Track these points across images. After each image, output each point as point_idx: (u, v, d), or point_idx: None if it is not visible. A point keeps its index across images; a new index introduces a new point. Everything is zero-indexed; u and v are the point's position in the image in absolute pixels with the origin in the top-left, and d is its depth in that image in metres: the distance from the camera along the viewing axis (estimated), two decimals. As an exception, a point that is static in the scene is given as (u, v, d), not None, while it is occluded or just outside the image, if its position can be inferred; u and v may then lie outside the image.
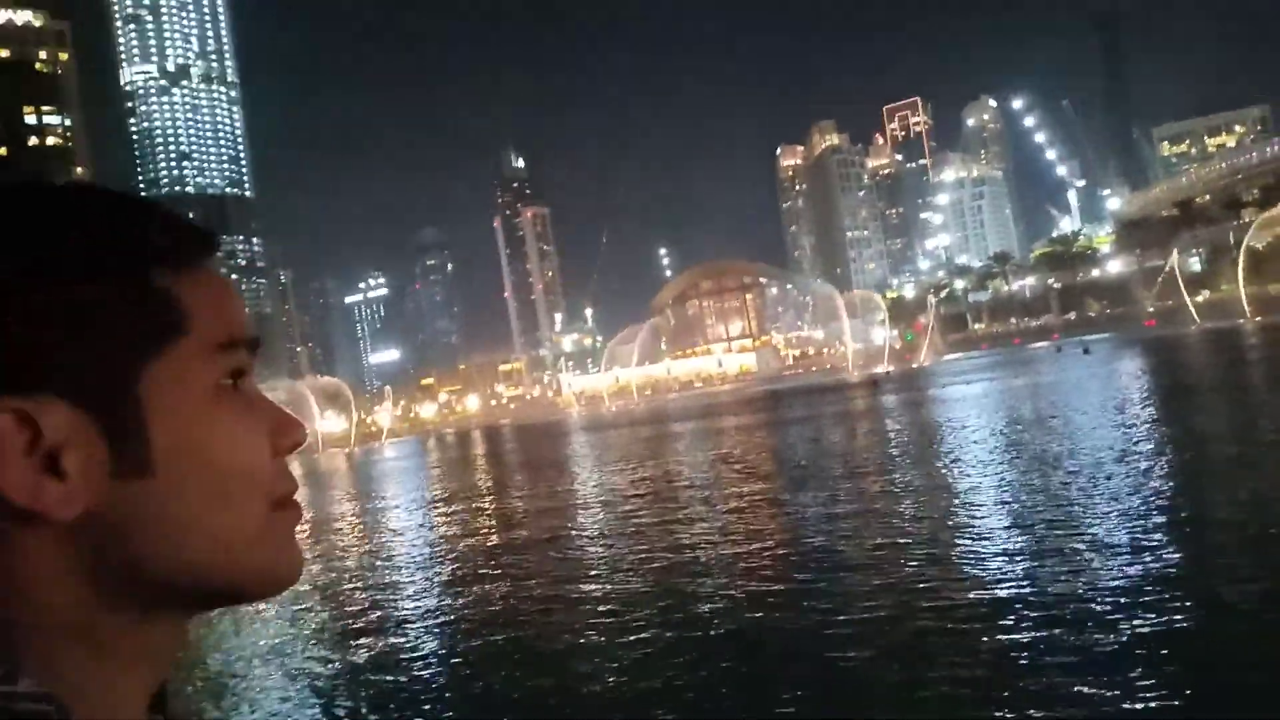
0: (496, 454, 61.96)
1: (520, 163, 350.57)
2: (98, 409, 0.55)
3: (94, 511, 0.54)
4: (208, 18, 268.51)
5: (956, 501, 17.59)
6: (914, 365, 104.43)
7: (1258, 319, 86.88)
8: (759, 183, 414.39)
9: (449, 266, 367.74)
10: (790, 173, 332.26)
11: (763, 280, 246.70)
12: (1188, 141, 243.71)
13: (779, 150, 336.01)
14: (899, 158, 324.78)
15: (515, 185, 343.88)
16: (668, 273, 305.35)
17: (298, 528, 0.66)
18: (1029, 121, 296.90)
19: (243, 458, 0.59)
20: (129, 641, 0.57)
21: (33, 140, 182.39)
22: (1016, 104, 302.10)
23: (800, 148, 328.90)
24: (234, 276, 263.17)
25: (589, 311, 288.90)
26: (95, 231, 0.57)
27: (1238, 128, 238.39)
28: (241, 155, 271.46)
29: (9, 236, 0.55)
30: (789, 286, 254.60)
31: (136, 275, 0.57)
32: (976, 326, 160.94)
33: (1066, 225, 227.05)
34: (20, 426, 0.53)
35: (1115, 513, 14.16)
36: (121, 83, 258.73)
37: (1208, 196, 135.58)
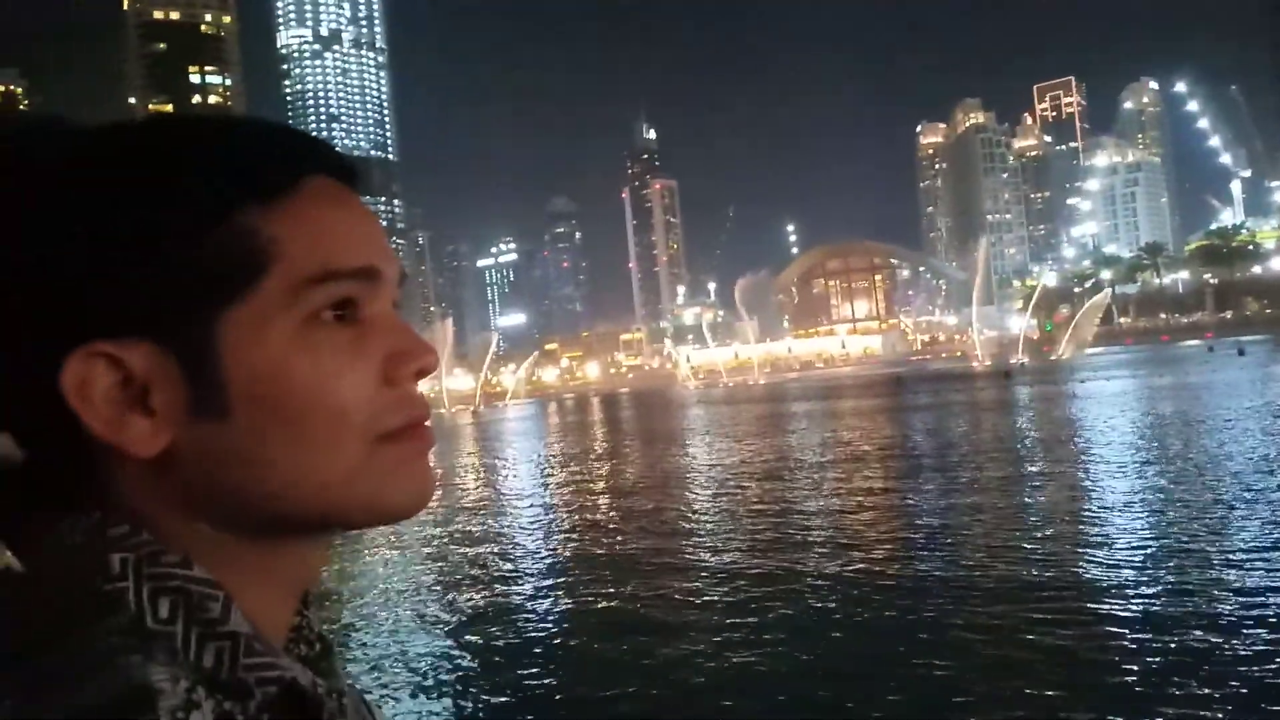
0: (612, 421, 62.87)
1: (651, 134, 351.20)
2: (178, 350, 0.55)
3: (177, 449, 0.55)
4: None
5: (1074, 507, 16.85)
6: (1052, 357, 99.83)
7: None
8: (897, 161, 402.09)
9: (577, 235, 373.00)
10: (930, 151, 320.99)
11: (893, 262, 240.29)
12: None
13: (920, 127, 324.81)
14: (1048, 139, 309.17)
15: (645, 157, 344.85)
16: (794, 250, 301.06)
17: (419, 459, 0.63)
18: (1191, 106, 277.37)
19: (331, 395, 0.58)
20: (257, 559, 0.59)
21: (195, 99, 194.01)
22: (1179, 87, 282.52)
23: (943, 125, 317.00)
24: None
25: (712, 286, 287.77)
26: (181, 168, 0.56)
27: None
28: (386, 119, 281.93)
29: (92, 178, 0.55)
30: (921, 269, 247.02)
31: (218, 213, 0.56)
32: (1122, 320, 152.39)
33: (1227, 218, 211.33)
34: (105, 369, 0.54)
35: (1251, 526, 13.27)
36: (278, 46, 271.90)
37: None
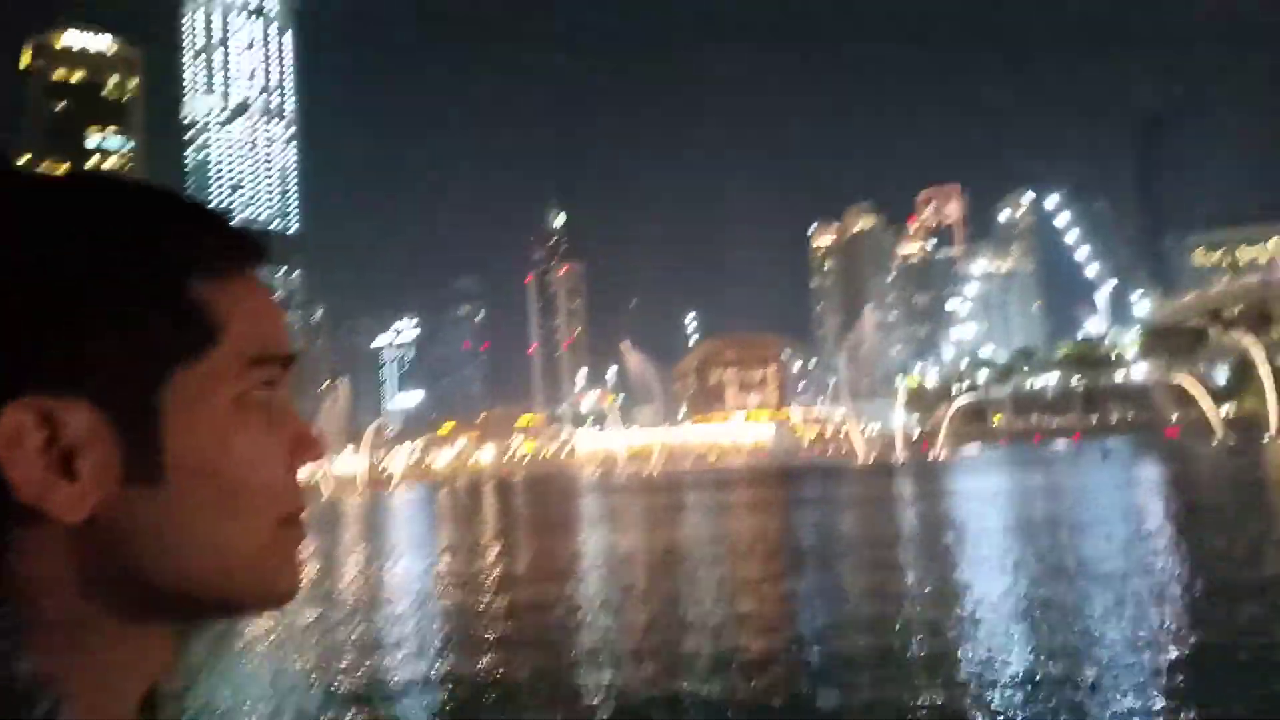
0: (504, 509, 62.13)
1: (561, 219, 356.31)
2: (118, 413, 0.54)
3: (102, 515, 0.54)
4: (273, 55, 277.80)
5: (946, 614, 17.70)
6: (929, 456, 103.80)
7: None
8: (791, 257, 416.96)
9: (480, 315, 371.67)
10: (822, 251, 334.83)
11: (786, 355, 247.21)
12: (1221, 251, 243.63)
13: (813, 227, 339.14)
14: (931, 244, 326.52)
15: (553, 241, 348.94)
16: (694, 338, 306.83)
17: (300, 547, 0.64)
18: (1063, 219, 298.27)
19: (258, 472, 0.59)
20: (122, 645, 0.57)
21: (94, 161, 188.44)
22: (1051, 201, 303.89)
23: (835, 225, 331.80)
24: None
25: (613, 371, 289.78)
26: (138, 233, 0.57)
27: (1272, 241, 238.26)
28: (291, 190, 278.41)
29: (50, 230, 0.54)
30: (812, 363, 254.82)
31: (174, 281, 0.57)
32: (997, 420, 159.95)
33: (1094, 326, 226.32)
34: (40, 424, 0.53)
35: (1112, 631, 14.29)
36: (183, 113, 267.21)
37: (1238, 309, 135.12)
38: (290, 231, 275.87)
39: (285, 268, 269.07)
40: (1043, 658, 13.06)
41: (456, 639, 17.32)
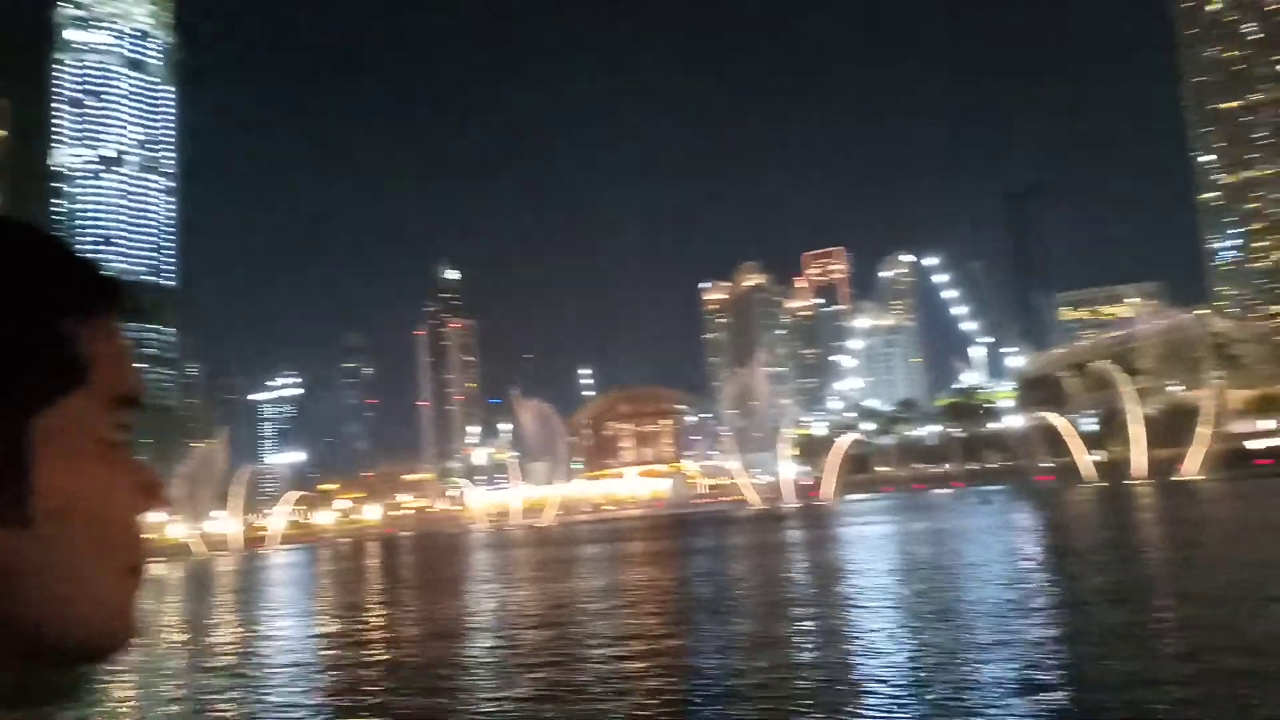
0: (389, 568, 59.81)
1: (453, 275, 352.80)
2: None
3: None
4: (152, 107, 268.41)
5: (837, 647, 17.61)
6: (819, 503, 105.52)
7: (1143, 479, 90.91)
8: (684, 314, 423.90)
9: (367, 370, 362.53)
10: (715, 306, 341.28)
11: (681, 408, 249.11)
12: (1086, 308, 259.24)
13: (705, 285, 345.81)
14: (818, 301, 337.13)
15: (445, 296, 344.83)
16: (589, 393, 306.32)
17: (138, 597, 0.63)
18: (941, 278, 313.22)
19: (117, 516, 0.59)
20: None
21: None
22: (930, 261, 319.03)
23: (726, 283, 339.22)
24: (142, 365, 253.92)
25: (506, 427, 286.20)
26: (5, 270, 0.56)
27: (1132, 299, 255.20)
28: (167, 243, 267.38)
29: None
30: (706, 416, 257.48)
31: (43, 320, 0.56)
32: (882, 469, 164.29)
33: (970, 378, 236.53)
34: None
35: (991, 663, 14.37)
36: (52, 163, 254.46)
37: (1103, 362, 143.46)
38: (167, 286, 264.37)
39: (158, 324, 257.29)
40: (915, 694, 13.00)
41: (332, 706, 16.20)
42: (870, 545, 42.02)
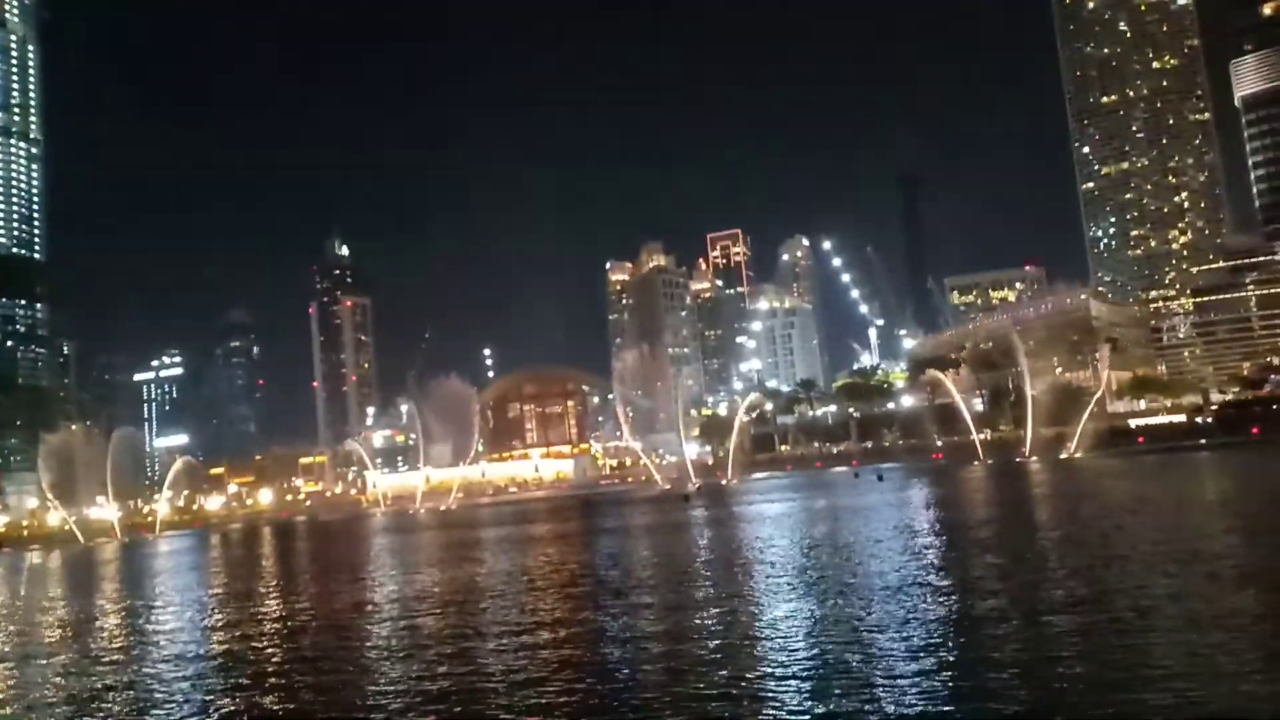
0: (284, 553, 57.83)
1: (344, 250, 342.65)
2: None
3: None
4: (15, 69, 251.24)
5: (737, 627, 17.63)
6: (723, 482, 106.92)
7: (1032, 458, 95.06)
8: (587, 294, 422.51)
9: (255, 350, 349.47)
10: (619, 287, 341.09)
11: (585, 389, 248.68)
12: (975, 292, 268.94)
13: (609, 265, 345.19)
14: (720, 283, 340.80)
15: (337, 272, 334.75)
16: (491, 374, 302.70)
17: None
18: (837, 262, 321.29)
19: None
20: None
21: None
22: (826, 245, 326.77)
23: (629, 264, 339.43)
24: (9, 343, 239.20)
25: (405, 408, 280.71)
26: None
27: (1018, 284, 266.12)
28: (35, 215, 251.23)
29: None
30: (610, 397, 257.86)
31: None
32: (783, 448, 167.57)
33: (866, 360, 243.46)
34: None
35: (889, 638, 14.57)
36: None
37: (990, 344, 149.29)
38: (34, 259, 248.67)
39: (25, 300, 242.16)
40: (819, 666, 13.06)
41: (223, 696, 15.36)
42: (771, 522, 42.59)
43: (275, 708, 13.76)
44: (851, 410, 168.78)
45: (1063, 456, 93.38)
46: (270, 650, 19.23)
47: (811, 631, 15.93)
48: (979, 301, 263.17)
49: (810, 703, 11.42)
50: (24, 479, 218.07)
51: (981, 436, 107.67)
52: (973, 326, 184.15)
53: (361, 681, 15.13)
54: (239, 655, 19.02)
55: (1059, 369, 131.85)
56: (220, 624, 24.73)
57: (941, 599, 17.99)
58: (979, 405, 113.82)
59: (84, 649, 21.70)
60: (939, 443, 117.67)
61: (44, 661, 20.38)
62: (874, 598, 18.51)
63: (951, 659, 12.97)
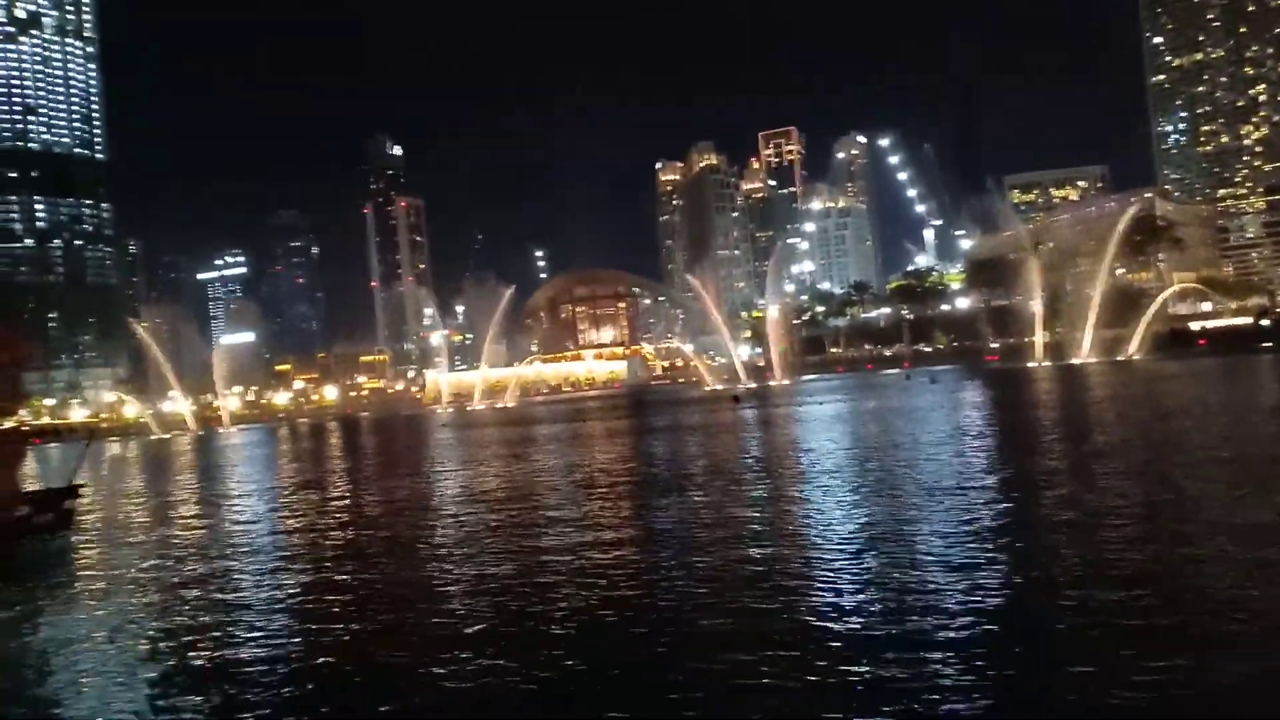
0: (349, 447, 60.09)
1: (397, 150, 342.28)
2: None
3: None
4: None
5: (792, 519, 18.21)
6: (771, 383, 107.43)
7: (1090, 359, 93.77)
8: (638, 195, 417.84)
9: (313, 251, 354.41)
10: (669, 188, 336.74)
11: (636, 290, 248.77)
12: (1035, 191, 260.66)
13: (659, 165, 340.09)
14: (772, 183, 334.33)
15: (390, 173, 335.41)
16: (543, 276, 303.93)
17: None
18: (894, 160, 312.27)
19: None
20: None
21: None
22: (883, 142, 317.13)
23: (680, 164, 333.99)
24: (77, 243, 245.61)
25: (460, 308, 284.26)
26: None
27: (1081, 182, 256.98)
28: (95, 115, 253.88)
29: None
30: (661, 299, 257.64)
31: None
32: (834, 350, 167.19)
33: (922, 261, 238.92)
34: None
35: (938, 531, 15.04)
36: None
37: (1051, 244, 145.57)
38: (96, 159, 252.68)
39: (90, 200, 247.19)
40: (882, 566, 13.60)
41: (296, 578, 16.49)
42: (821, 423, 43.07)
43: (346, 592, 14.77)
44: (905, 312, 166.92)
45: (1120, 359, 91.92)
46: (340, 538, 20.40)
47: (863, 530, 16.33)
48: (1040, 201, 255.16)
49: (862, 600, 11.93)
50: (99, 374, 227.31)
51: (1038, 339, 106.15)
52: (1032, 226, 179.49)
53: (428, 568, 16.09)
54: (312, 542, 20.22)
55: (1120, 269, 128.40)
56: (292, 513, 26.15)
57: (995, 500, 18.29)
58: (1036, 307, 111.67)
59: (167, 535, 23.18)
60: (993, 345, 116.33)
61: (132, 547, 21.83)
62: (927, 498, 18.84)
63: (1006, 560, 13.29)
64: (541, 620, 11.61)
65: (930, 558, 13.35)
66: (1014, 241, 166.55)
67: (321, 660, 10.80)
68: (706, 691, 8.76)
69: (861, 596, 11.64)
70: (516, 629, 11.31)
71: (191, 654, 11.43)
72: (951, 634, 9.76)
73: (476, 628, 11.49)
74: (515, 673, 9.64)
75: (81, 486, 24.84)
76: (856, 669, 8.94)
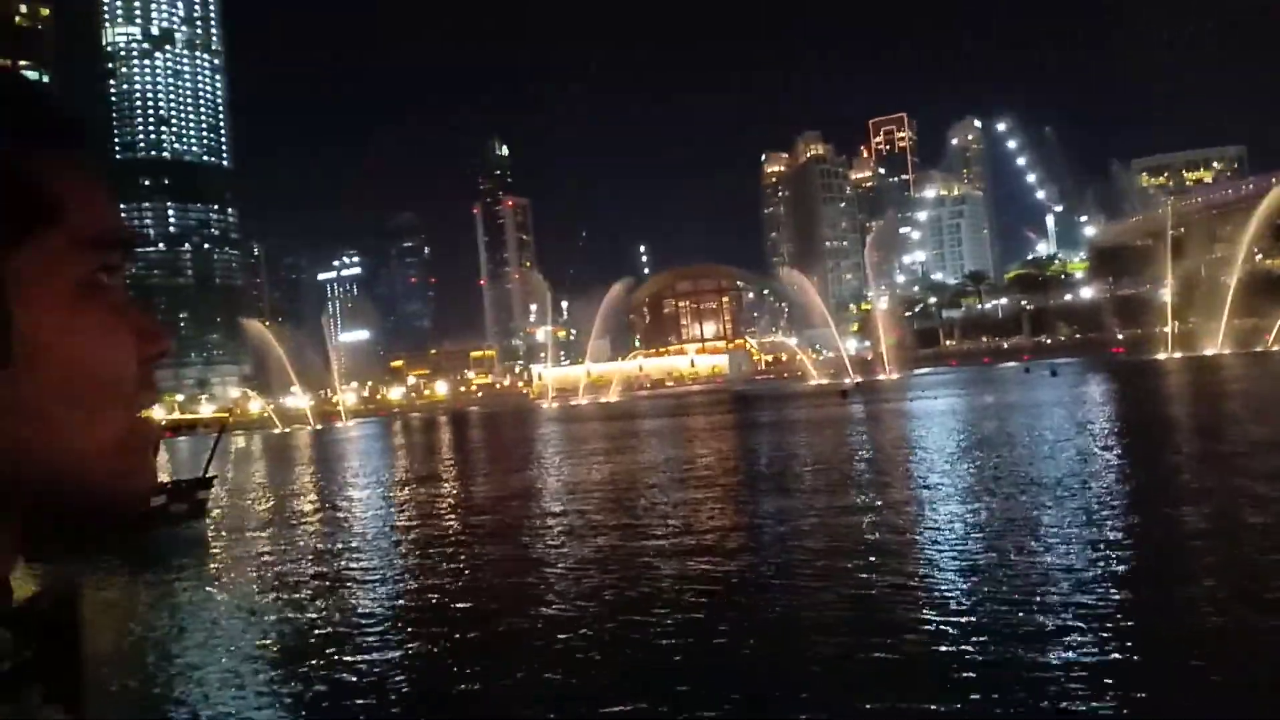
0: (462, 440, 61.55)
1: (505, 150, 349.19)
2: None
3: None
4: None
5: (904, 520, 17.58)
6: (880, 377, 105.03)
7: (1225, 351, 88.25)
8: (742, 188, 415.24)
9: (425, 250, 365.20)
10: (774, 179, 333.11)
11: (740, 284, 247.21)
12: (1166, 174, 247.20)
13: (764, 157, 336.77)
14: (882, 171, 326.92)
15: (498, 173, 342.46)
16: (645, 271, 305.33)
17: (152, 446, 0.61)
18: (1012, 145, 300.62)
19: (108, 358, 0.57)
20: None
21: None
22: (1001, 126, 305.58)
23: (785, 155, 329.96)
24: (205, 246, 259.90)
25: (565, 304, 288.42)
26: None
27: (1215, 164, 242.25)
28: (221, 124, 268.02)
29: None
30: (765, 292, 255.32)
31: (4, 157, 0.54)
32: (948, 343, 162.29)
33: (1042, 249, 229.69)
34: None
35: (1059, 535, 14.21)
36: (103, 43, 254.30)
37: (1183, 230, 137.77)
38: (223, 166, 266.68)
39: (218, 205, 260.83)
40: (991, 565, 12.91)
41: (412, 561, 16.82)
42: (934, 418, 41.72)
43: (463, 574, 14.93)
44: (1024, 302, 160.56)
45: (1259, 350, 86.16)
46: (454, 525, 20.76)
47: (983, 529, 15.68)
48: (1171, 184, 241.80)
49: (978, 602, 11.38)
50: (225, 370, 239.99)
51: (1169, 329, 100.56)
52: (1161, 211, 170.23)
53: (535, 552, 16.18)
54: (427, 528, 20.64)
55: (1259, 255, 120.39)
56: (409, 502, 26.82)
57: (1123, 501, 17.27)
58: (1166, 295, 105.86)
59: (294, 524, 24.05)
60: (1119, 336, 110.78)
61: (260, 536, 22.71)
62: (1050, 498, 17.92)
63: (1131, 566, 12.52)
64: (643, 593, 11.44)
65: (1052, 560, 12.61)
66: (1142, 227, 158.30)
67: (454, 619, 10.90)
68: (781, 667, 8.39)
69: (967, 594, 11.04)
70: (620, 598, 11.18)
71: (319, 618, 11.72)
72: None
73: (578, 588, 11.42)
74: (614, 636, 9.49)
75: (214, 478, 26.05)
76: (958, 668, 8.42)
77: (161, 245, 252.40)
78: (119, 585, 16.93)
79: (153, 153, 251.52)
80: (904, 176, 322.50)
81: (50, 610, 0.61)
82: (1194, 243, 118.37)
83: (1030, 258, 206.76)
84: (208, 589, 15.91)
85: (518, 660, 9.98)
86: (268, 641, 11.93)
